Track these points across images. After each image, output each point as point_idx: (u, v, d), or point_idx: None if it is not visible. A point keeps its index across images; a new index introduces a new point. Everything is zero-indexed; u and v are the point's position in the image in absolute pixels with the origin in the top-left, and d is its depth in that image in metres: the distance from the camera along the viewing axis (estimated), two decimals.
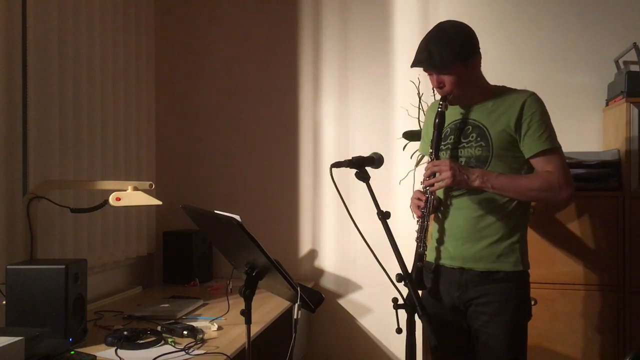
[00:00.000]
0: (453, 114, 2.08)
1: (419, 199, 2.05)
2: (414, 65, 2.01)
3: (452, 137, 2.06)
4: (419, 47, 2.00)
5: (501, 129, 1.98)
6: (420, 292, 1.89)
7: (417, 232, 2.03)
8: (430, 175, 2.00)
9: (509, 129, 1.97)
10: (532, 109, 1.97)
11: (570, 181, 1.97)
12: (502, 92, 2.06)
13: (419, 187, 2.16)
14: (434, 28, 2.01)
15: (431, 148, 2.05)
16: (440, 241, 2.10)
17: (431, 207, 2.02)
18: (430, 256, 2.14)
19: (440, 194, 2.11)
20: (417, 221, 2.05)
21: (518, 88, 2.08)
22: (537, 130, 1.96)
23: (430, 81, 2.05)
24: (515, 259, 2.00)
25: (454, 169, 1.94)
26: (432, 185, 1.99)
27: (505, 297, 1.98)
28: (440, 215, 2.12)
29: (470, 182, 1.95)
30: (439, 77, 1.99)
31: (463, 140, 2.03)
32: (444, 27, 1.99)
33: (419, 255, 2.01)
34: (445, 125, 2.07)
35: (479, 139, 2.00)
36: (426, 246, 2.04)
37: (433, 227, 2.17)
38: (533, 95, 2.01)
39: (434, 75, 2.01)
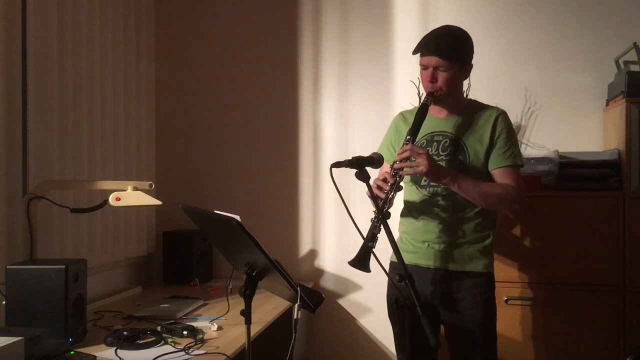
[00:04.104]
0: (427, 125, 2.09)
1: (384, 181, 1.99)
2: (417, 50, 2.07)
3: (430, 149, 2.10)
4: (424, 37, 2.07)
5: (477, 143, 2.08)
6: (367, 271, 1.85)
7: (375, 213, 1.92)
8: (405, 159, 1.96)
9: (483, 143, 2.08)
10: (502, 126, 2.09)
11: (522, 197, 2.08)
12: (473, 106, 2.17)
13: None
14: (442, 27, 2.09)
15: (409, 135, 2.02)
16: (413, 242, 2.15)
17: (395, 192, 1.97)
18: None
19: (414, 195, 2.14)
20: (376, 202, 1.90)
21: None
22: (503, 146, 2.08)
23: (421, 77, 2.09)
24: (485, 262, 2.10)
25: (431, 159, 1.97)
26: (402, 169, 1.96)
27: (478, 291, 2.07)
28: (413, 216, 2.16)
29: (441, 176, 1.99)
30: (435, 72, 2.04)
31: (442, 153, 2.10)
32: (453, 29, 2.10)
33: (372, 236, 1.89)
34: (420, 136, 2.11)
35: (457, 152, 2.08)
36: (381, 229, 1.88)
37: (406, 228, 2.20)
38: (503, 113, 2.13)
39: (429, 70, 2.04)
